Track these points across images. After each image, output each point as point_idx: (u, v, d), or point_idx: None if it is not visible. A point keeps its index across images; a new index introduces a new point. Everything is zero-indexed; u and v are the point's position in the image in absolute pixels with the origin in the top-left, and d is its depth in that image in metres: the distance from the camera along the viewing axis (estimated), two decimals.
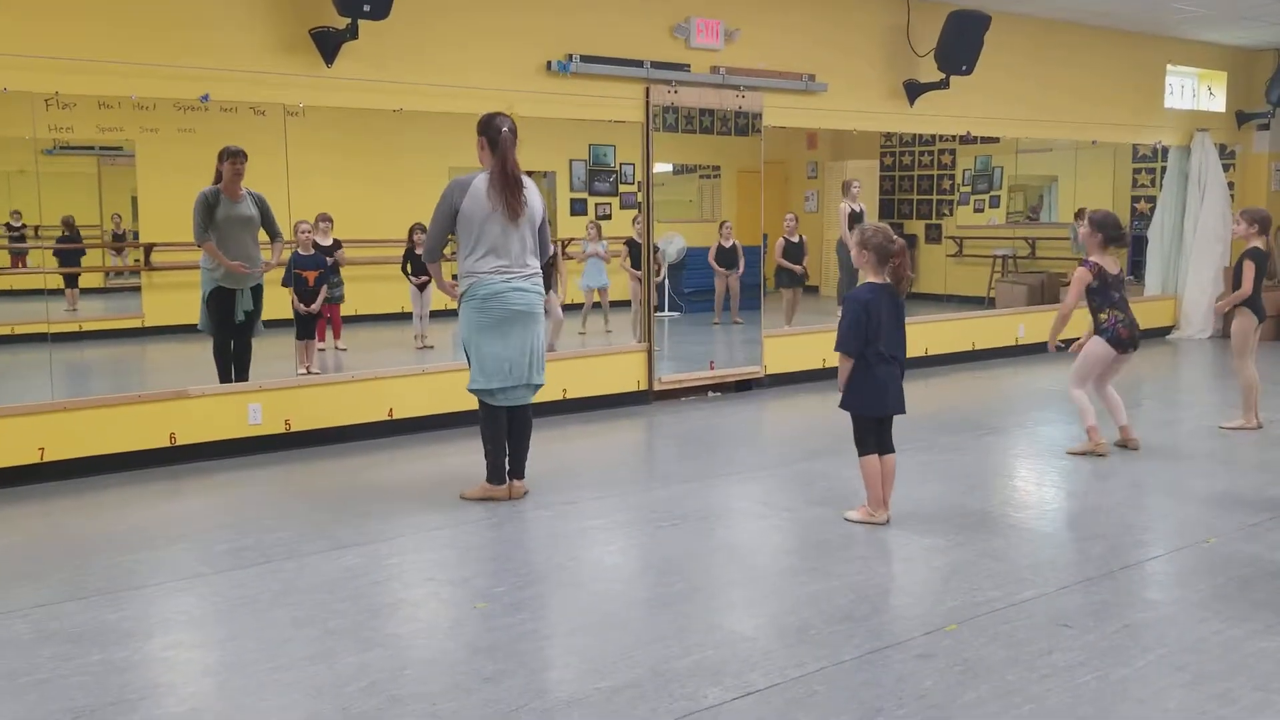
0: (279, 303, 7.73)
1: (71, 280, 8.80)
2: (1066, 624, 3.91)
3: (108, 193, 8.94)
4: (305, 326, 8.18)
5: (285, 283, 7.98)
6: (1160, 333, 12.19)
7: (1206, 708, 3.26)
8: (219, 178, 6.88)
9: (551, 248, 5.94)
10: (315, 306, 8.16)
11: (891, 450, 5.18)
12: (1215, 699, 3.32)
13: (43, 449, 6.04)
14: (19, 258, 8.43)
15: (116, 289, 9.56)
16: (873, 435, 5.13)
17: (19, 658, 3.66)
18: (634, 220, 9.78)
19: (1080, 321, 6.78)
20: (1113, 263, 6.53)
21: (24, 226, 8.15)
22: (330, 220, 8.80)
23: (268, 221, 7.11)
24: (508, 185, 5.31)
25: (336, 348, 9.19)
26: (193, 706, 3.33)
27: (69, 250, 8.77)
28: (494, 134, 5.34)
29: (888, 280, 5.04)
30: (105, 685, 3.45)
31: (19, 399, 6.17)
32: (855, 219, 11.06)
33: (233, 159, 6.83)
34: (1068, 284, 6.87)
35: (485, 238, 5.33)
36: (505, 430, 5.57)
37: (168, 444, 6.41)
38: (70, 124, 6.68)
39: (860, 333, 5.01)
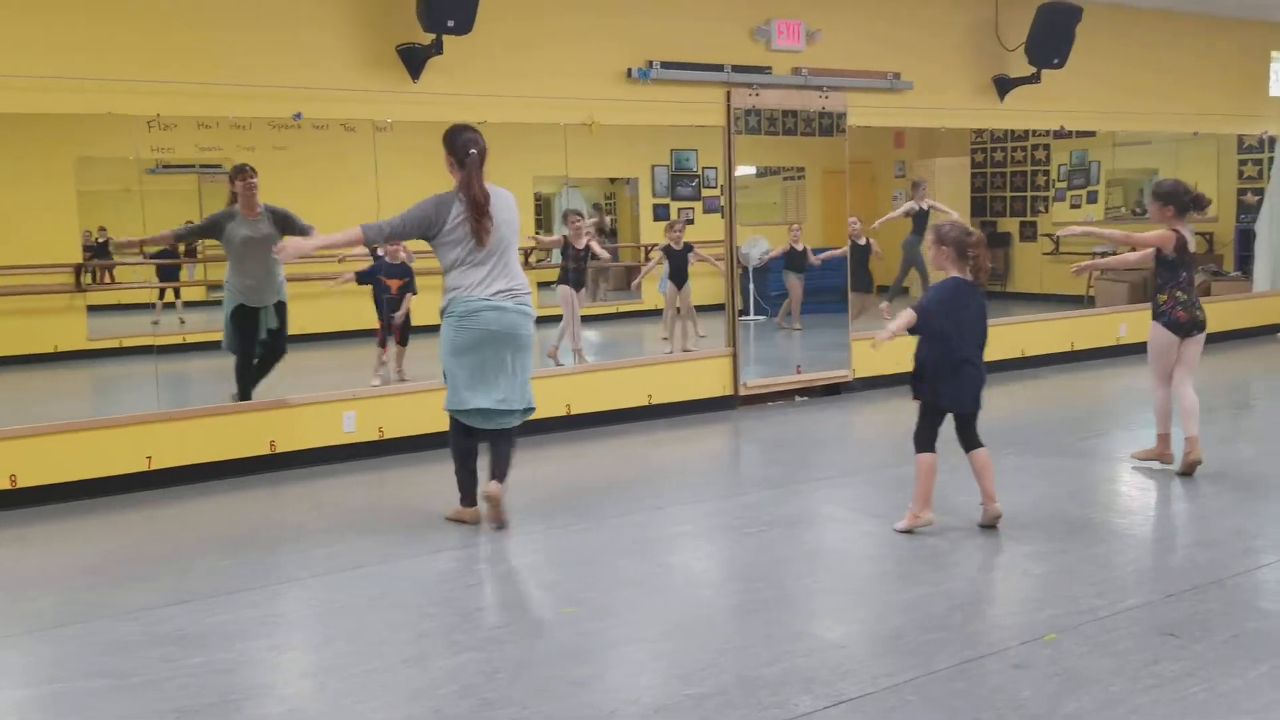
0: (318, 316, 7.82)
1: (175, 291, 9.06)
2: (1173, 633, 3.78)
3: (208, 209, 9.21)
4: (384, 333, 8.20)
5: (363, 280, 7.98)
6: (1270, 330, 11.75)
7: None
8: (234, 199, 6.73)
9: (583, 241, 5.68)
10: (400, 315, 8.19)
11: (979, 445, 5.09)
12: None
13: (150, 457, 6.25)
14: (106, 272, 8.71)
15: (217, 303, 9.84)
16: (936, 431, 5.08)
17: (128, 658, 3.79)
18: (670, 226, 9.66)
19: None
20: (1191, 237, 5.98)
21: (108, 241, 8.41)
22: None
23: (294, 228, 6.80)
24: (474, 209, 5.05)
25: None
26: (292, 708, 3.41)
27: (170, 264, 9.04)
28: (460, 153, 5.10)
29: (969, 275, 4.99)
30: (208, 686, 3.55)
31: (128, 410, 6.40)
32: (918, 217, 10.87)
33: (242, 175, 6.65)
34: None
35: (461, 256, 5.09)
36: (474, 453, 5.35)
37: (268, 451, 6.59)
38: (171, 144, 6.89)
39: (931, 319, 4.94)
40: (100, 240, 8.02)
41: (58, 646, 3.94)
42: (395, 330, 8.10)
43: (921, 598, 4.19)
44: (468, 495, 5.37)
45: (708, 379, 8.29)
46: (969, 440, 5.09)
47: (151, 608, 4.30)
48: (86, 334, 7.91)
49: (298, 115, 6.58)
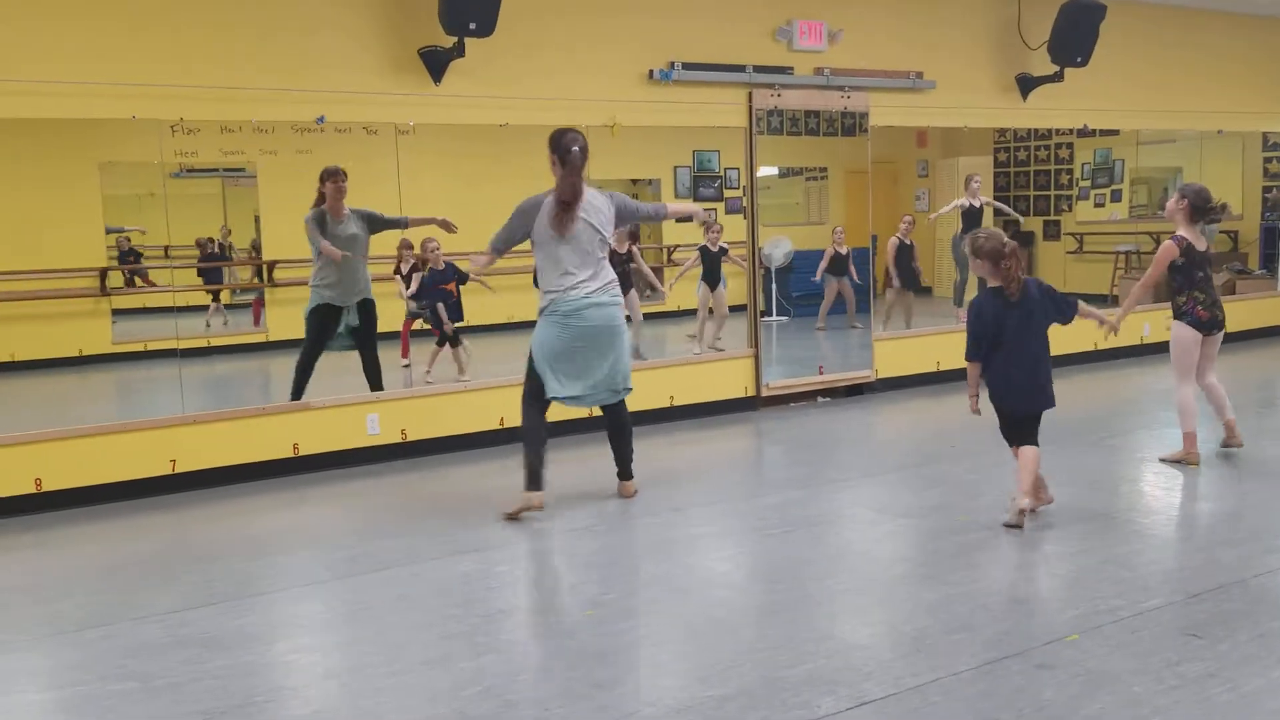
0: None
1: (214, 295, 9.15)
2: (1196, 634, 3.76)
3: (231, 213, 9.28)
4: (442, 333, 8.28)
5: (418, 300, 8.07)
6: None
7: None
8: (321, 199, 6.97)
9: (664, 210, 5.98)
10: (458, 319, 8.23)
11: (1034, 443, 5.21)
12: None
13: (174, 460, 6.30)
14: (138, 276, 8.79)
15: (242, 305, 9.90)
16: (1015, 430, 5.22)
17: (153, 661, 3.82)
18: (707, 228, 9.64)
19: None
20: (1199, 238, 6.15)
21: (131, 246, 8.49)
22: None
23: (381, 223, 7.16)
24: (559, 204, 5.38)
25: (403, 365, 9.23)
26: (316, 709, 3.44)
27: (212, 268, 9.13)
28: (563, 152, 5.38)
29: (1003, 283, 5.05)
30: (233, 688, 3.58)
31: (152, 413, 6.45)
32: (970, 215, 10.82)
33: (333, 178, 6.90)
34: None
35: (556, 256, 5.43)
36: (545, 435, 5.60)
37: (291, 454, 6.63)
38: (195, 148, 6.95)
39: (977, 339, 5.11)
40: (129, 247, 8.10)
41: (82, 649, 3.98)
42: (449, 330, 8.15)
43: (944, 599, 4.18)
44: (535, 479, 5.52)
45: (730, 380, 8.29)
46: (1026, 437, 5.23)
47: (175, 610, 4.33)
48: (111, 338, 7.98)
49: (321, 119, 6.62)
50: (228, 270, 9.22)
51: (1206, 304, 6.07)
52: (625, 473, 5.83)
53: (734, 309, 10.15)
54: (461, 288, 8.15)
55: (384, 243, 7.69)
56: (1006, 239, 5.04)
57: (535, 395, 5.61)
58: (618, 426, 5.80)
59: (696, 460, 7.02)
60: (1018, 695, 3.33)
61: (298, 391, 6.92)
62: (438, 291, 8.08)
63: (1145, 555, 4.66)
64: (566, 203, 5.38)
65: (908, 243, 10.86)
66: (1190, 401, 6.11)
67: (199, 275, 9.08)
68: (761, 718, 3.24)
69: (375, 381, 7.16)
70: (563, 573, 4.75)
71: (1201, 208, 6.07)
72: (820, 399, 8.66)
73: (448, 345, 8.12)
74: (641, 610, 4.20)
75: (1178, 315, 6.13)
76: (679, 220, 6.12)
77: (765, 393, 8.37)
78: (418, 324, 8.76)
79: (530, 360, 5.62)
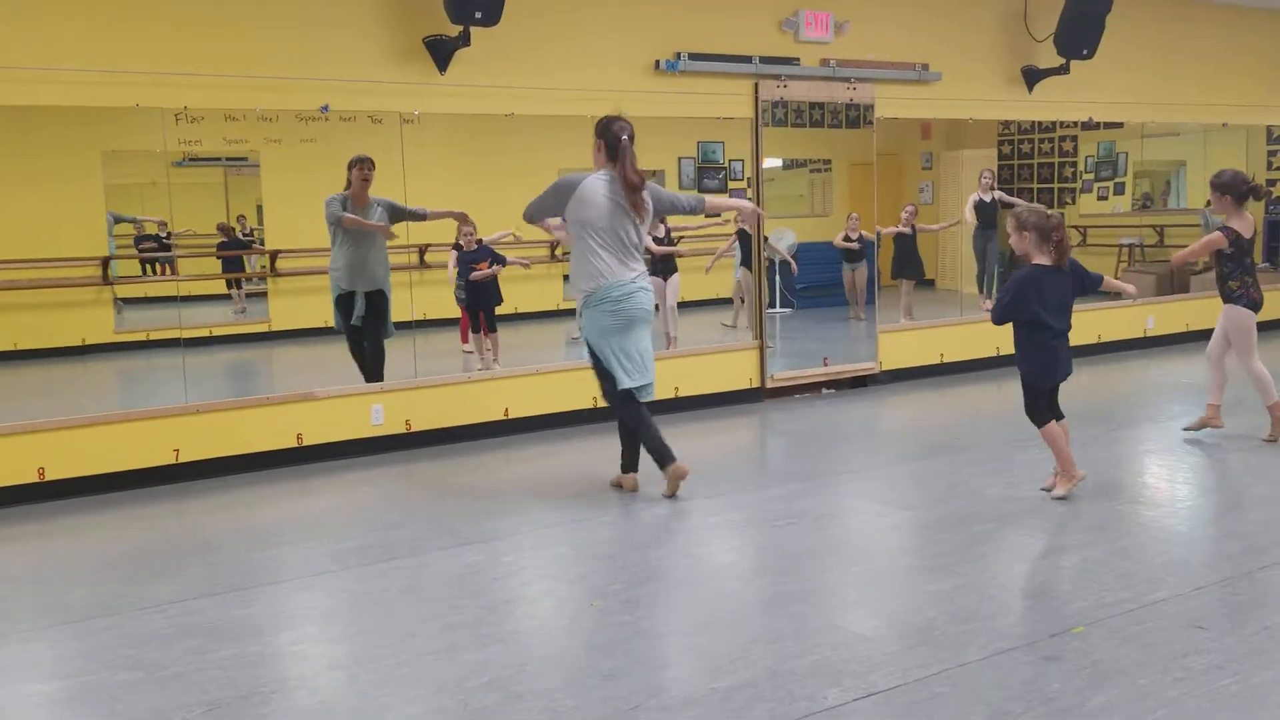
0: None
1: (235, 282, 9.16)
2: (1202, 626, 3.75)
3: (233, 202, 9.26)
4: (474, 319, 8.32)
5: (460, 285, 8.16)
6: None
7: None
8: (349, 184, 7.06)
9: (703, 203, 5.92)
10: (482, 275, 8.23)
11: (1062, 415, 5.36)
12: None
13: (177, 450, 6.30)
14: (167, 265, 8.80)
15: (246, 294, 9.89)
16: (1044, 403, 5.32)
17: (158, 651, 3.82)
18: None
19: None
20: (1248, 225, 6.30)
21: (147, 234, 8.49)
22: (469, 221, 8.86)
23: (402, 214, 7.25)
24: (630, 189, 5.39)
25: (485, 348, 9.23)
26: (322, 700, 3.43)
27: (232, 256, 9.14)
28: (613, 140, 5.41)
29: (1051, 260, 5.18)
30: (239, 678, 3.57)
31: (155, 403, 6.44)
32: (983, 209, 10.81)
33: (361, 166, 7.00)
34: (1196, 270, 6.64)
35: (611, 240, 5.41)
36: (647, 415, 5.63)
37: (295, 444, 6.62)
38: (199, 137, 6.94)
39: (1022, 308, 5.18)
40: (163, 235, 8.09)
41: (87, 639, 3.97)
42: (482, 319, 8.14)
43: (950, 590, 4.17)
44: (665, 456, 5.59)
45: (735, 371, 8.28)
46: (1055, 410, 5.36)
47: (180, 600, 4.33)
48: (114, 327, 7.97)
49: (325, 107, 6.60)
50: (247, 258, 9.23)
51: (1256, 285, 6.31)
52: (634, 465, 5.80)
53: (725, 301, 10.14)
54: (502, 268, 8.17)
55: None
56: (1050, 212, 5.17)
57: (616, 391, 5.60)
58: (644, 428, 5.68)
59: (702, 451, 6.99)
60: (1025, 687, 3.33)
61: (371, 375, 7.08)
62: (468, 272, 8.09)
63: (1151, 548, 4.65)
64: (636, 186, 5.39)
65: (908, 232, 10.84)
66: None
67: (219, 261, 9.09)
68: (768, 709, 3.23)
69: (374, 373, 7.15)
70: (568, 564, 4.75)
71: (1243, 192, 6.23)
72: (825, 390, 8.65)
73: (483, 331, 8.15)
74: (647, 601, 4.19)
75: (1232, 299, 6.32)
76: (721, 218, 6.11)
77: (770, 384, 8.36)
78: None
79: (593, 357, 5.58)
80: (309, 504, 5.96)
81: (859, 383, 8.82)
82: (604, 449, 6.08)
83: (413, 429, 6.98)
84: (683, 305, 10.39)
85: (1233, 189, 6.20)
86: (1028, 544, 4.75)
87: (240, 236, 8.89)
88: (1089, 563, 4.45)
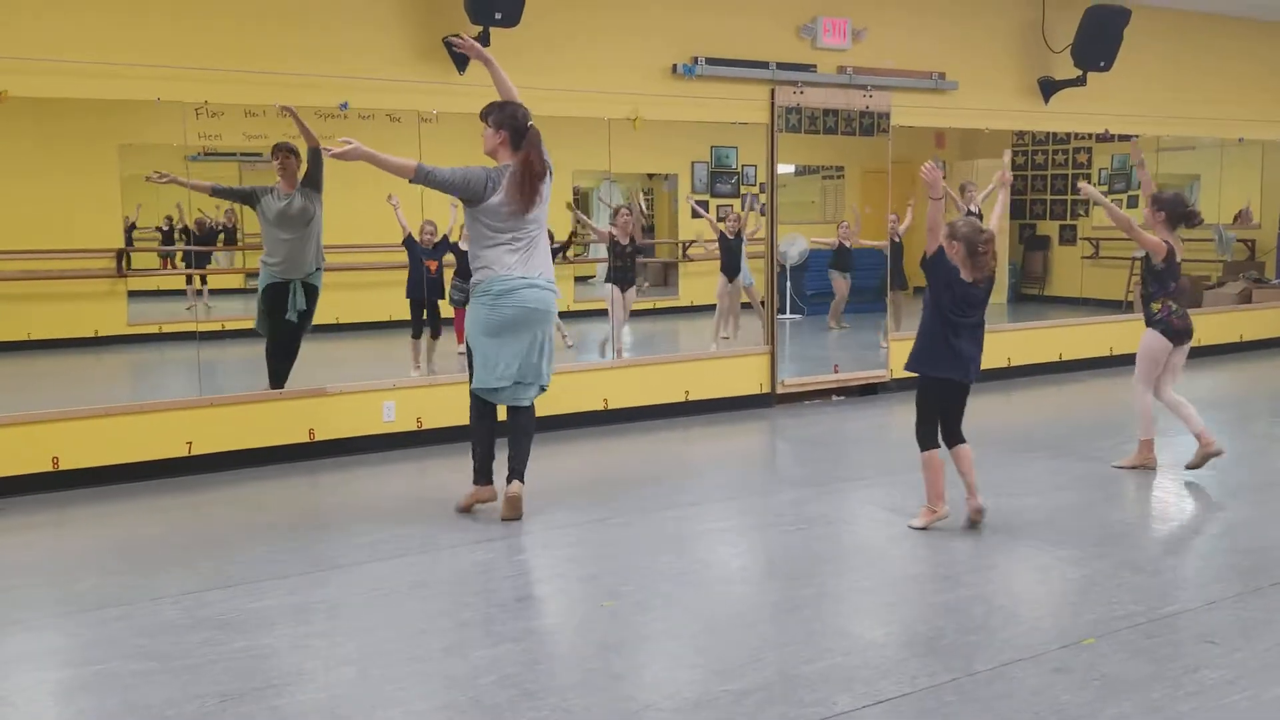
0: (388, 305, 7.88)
1: (202, 279, 9.13)
2: (1213, 641, 3.75)
3: None
4: (418, 325, 8.24)
5: (455, 285, 8.06)
6: None
7: None
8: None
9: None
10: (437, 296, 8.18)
11: (963, 441, 5.12)
12: None
13: (190, 443, 6.32)
14: (168, 259, 8.83)
15: (254, 290, 9.93)
16: (936, 420, 5.09)
17: (171, 642, 3.84)
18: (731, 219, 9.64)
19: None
20: (1180, 248, 6.13)
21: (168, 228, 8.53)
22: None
23: (315, 171, 6.81)
24: (530, 177, 5.11)
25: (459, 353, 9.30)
26: (333, 694, 3.45)
27: (204, 250, 9.14)
28: (519, 128, 5.15)
29: (971, 276, 4.94)
30: (251, 671, 3.59)
31: (168, 395, 6.47)
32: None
33: (278, 154, 6.74)
34: (1209, 285, 6.53)
35: (502, 233, 5.13)
36: (494, 431, 5.41)
37: (307, 440, 6.64)
38: (218, 131, 6.96)
39: (944, 273, 4.93)
40: (181, 226, 8.13)
41: (100, 628, 3.99)
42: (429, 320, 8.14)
43: (961, 600, 4.18)
44: (484, 474, 5.41)
45: (745, 376, 8.28)
46: (953, 434, 5.13)
47: (193, 591, 4.35)
48: (127, 319, 8.00)
49: (344, 105, 6.63)
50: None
51: (1180, 313, 6.08)
52: (518, 473, 5.39)
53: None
54: (442, 261, 8.08)
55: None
56: (984, 228, 4.94)
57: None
58: (524, 421, 5.41)
59: (712, 455, 7.02)
60: (1034, 698, 3.33)
61: (276, 379, 6.81)
62: (415, 260, 8.01)
63: (1162, 561, 4.65)
64: (539, 175, 5.13)
65: (897, 242, 10.80)
66: (1149, 406, 6.18)
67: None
68: (779, 713, 3.24)
69: (280, 375, 6.87)
70: (579, 564, 4.76)
71: (1176, 214, 6.06)
72: (835, 398, 8.65)
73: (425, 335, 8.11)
74: (658, 603, 4.20)
75: (1151, 323, 6.13)
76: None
77: (780, 390, 8.37)
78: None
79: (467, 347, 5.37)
80: (319, 499, 5.98)
81: (869, 390, 8.82)
82: (616, 451, 6.09)
83: (424, 426, 7.00)
84: (692, 310, 10.42)
85: (1170, 208, 6.04)
86: (1036, 555, 4.75)
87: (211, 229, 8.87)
88: (1099, 575, 4.45)
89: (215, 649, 3.77)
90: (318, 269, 7.00)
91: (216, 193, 6.95)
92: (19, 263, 7.18)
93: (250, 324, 7.23)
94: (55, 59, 5.84)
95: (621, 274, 8.90)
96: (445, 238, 8.08)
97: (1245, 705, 3.27)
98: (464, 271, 8.59)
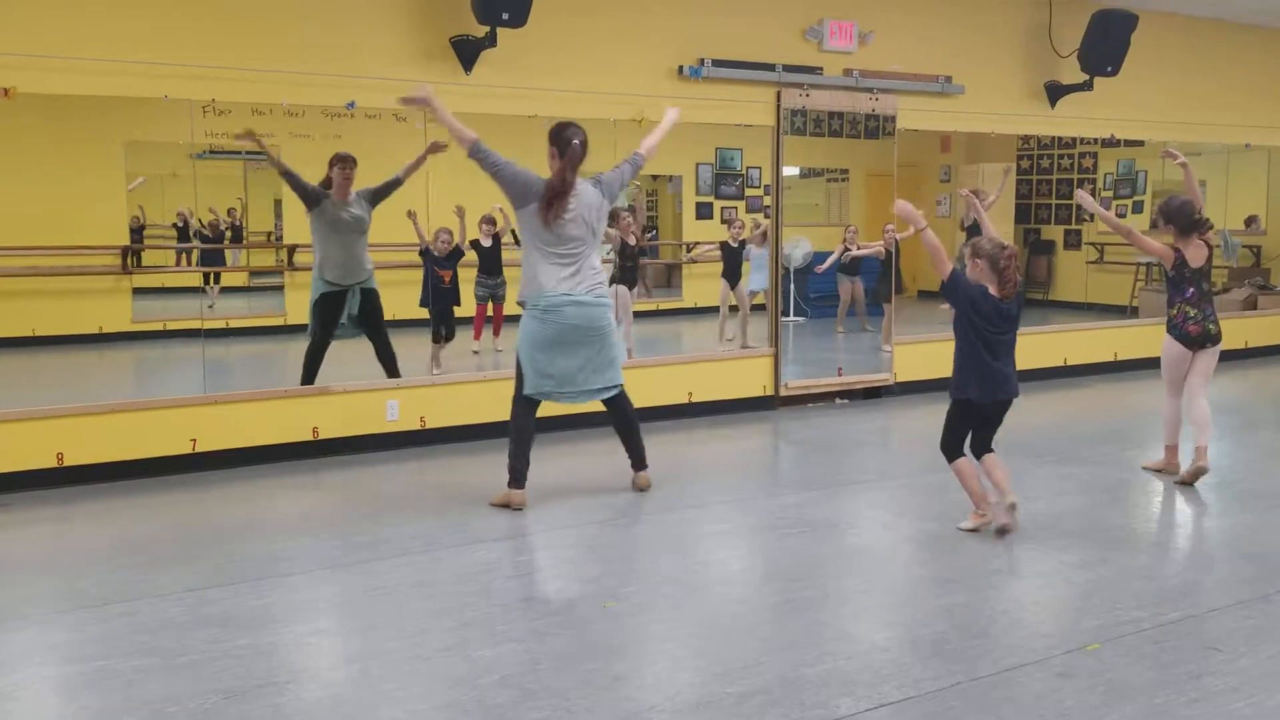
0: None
1: (216, 277, 9.17)
2: (1217, 647, 3.74)
3: (253, 195, 9.31)
4: (438, 329, 8.28)
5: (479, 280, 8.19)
6: None
7: None
8: (328, 183, 6.95)
9: (641, 157, 5.71)
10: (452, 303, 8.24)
11: (991, 450, 5.14)
12: None
13: (194, 440, 6.33)
14: (182, 255, 8.85)
15: (259, 288, 9.94)
16: (965, 435, 5.14)
17: (174, 639, 3.84)
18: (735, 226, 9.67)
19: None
20: (1198, 255, 6.01)
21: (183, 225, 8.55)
22: (493, 222, 8.84)
23: (382, 191, 7.10)
24: (550, 191, 5.28)
25: (495, 348, 9.28)
26: (335, 693, 3.45)
27: (215, 249, 9.17)
28: (563, 145, 5.33)
29: (997, 291, 4.95)
30: (253, 668, 3.59)
31: (172, 392, 6.48)
32: (972, 229, 10.79)
33: (342, 164, 6.89)
34: (1215, 291, 6.43)
35: (545, 246, 5.34)
36: (533, 435, 5.59)
37: (310, 438, 6.65)
38: (225, 129, 6.97)
39: (966, 294, 4.95)
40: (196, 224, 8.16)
41: (103, 625, 4.00)
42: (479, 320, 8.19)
43: (964, 603, 4.17)
44: (519, 479, 5.52)
45: (749, 379, 8.28)
46: (982, 445, 5.16)
47: (196, 589, 4.35)
48: (131, 316, 8.02)
49: (351, 104, 6.64)
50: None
51: (1197, 319, 5.98)
52: (639, 463, 5.82)
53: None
54: (459, 264, 8.18)
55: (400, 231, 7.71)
56: (1006, 244, 4.99)
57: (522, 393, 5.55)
58: (622, 415, 5.74)
59: (715, 457, 7.01)
60: (1038, 702, 3.33)
61: (309, 378, 6.90)
62: (430, 270, 8.06)
63: (1166, 568, 4.65)
64: (558, 193, 5.28)
65: (892, 250, 10.79)
66: (1175, 414, 6.15)
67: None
68: (780, 716, 3.24)
69: (390, 368, 7.12)
70: (581, 565, 4.76)
71: (1185, 225, 5.98)
72: (838, 400, 8.65)
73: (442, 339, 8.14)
74: (660, 605, 4.20)
75: (1169, 329, 6.10)
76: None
77: (784, 393, 8.36)
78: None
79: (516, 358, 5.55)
80: (323, 497, 5.98)
81: (873, 393, 8.81)
82: (620, 452, 6.07)
83: (428, 425, 7.00)
84: (696, 311, 10.42)
85: (1178, 218, 5.97)
86: (1041, 560, 4.74)
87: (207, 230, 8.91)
88: (1103, 580, 4.44)
89: (218, 646, 3.77)
90: (370, 273, 7.14)
91: (286, 175, 6.91)
92: (25, 258, 7.19)
93: (254, 322, 7.25)
94: (63, 55, 5.85)
95: (627, 275, 8.94)
96: (458, 247, 8.11)
97: (1249, 712, 3.26)
98: (485, 268, 8.65)
